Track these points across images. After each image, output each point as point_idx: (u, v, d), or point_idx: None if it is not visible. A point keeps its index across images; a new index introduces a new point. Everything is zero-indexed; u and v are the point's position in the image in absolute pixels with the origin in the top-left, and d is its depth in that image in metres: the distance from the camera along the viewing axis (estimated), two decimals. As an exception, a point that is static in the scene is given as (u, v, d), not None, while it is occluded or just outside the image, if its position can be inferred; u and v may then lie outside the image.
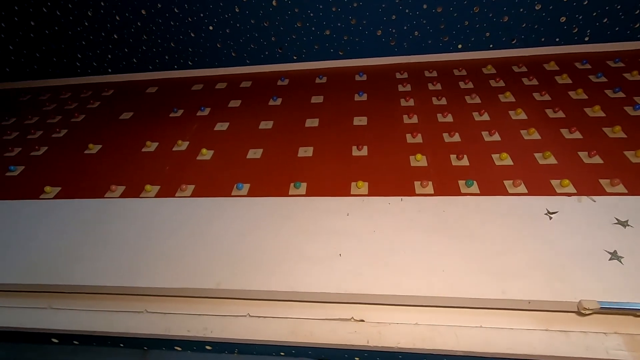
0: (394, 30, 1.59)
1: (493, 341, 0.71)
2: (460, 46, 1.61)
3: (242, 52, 1.71)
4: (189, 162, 1.25)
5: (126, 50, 1.75)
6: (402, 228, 0.86)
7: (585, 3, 1.45)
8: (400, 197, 0.95)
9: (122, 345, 0.84)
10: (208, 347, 0.81)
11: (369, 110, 1.40)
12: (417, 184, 1.05)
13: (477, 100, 1.38)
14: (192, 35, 1.67)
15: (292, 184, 1.09)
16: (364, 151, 1.20)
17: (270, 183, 1.12)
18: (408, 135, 1.24)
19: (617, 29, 1.50)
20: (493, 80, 1.48)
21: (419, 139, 1.23)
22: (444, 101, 1.40)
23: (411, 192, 1.02)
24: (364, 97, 1.48)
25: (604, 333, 0.69)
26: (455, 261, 0.77)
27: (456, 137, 1.22)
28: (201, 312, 0.81)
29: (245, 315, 0.79)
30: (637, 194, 0.93)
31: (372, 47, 1.65)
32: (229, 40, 1.68)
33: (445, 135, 1.23)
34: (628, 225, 0.80)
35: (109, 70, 1.82)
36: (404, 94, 1.46)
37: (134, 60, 1.78)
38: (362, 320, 0.76)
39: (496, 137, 1.20)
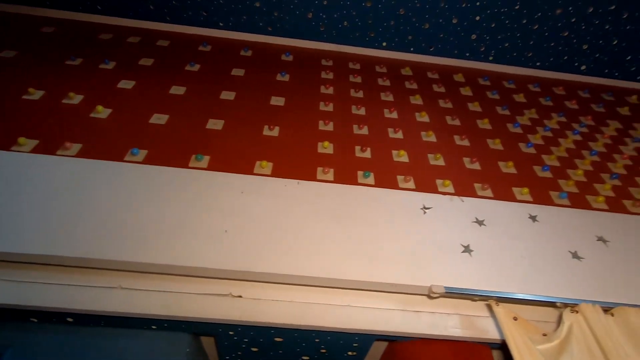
0: (324, 16, 1.59)
1: (357, 318, 0.78)
2: (384, 44, 1.68)
3: (162, 7, 1.56)
4: (79, 118, 1.12)
5: (17, -24, 1.48)
6: (292, 210, 0.88)
7: (493, 26, 1.61)
8: (297, 181, 0.98)
9: (-37, 315, 0.74)
10: (69, 319, 0.75)
11: (288, 91, 1.40)
12: (319, 170, 1.08)
13: (390, 98, 1.46)
14: (103, -25, 1.48)
15: (194, 156, 1.05)
16: (275, 132, 1.20)
17: (170, 152, 1.06)
18: (321, 122, 1.27)
19: (514, 54, 1.70)
20: (408, 81, 1.58)
21: (330, 127, 1.27)
22: (360, 94, 1.45)
23: (312, 177, 1.05)
24: (286, 77, 1.47)
25: (447, 313, 0.80)
26: (335, 245, 0.82)
27: (364, 130, 1.28)
28: (65, 282, 0.74)
29: (116, 287, 0.75)
30: (499, 198, 1.08)
31: (301, 28, 1.63)
32: (147, -9, 1.52)
33: (355, 126, 1.29)
34: (483, 225, 0.94)
35: (-8, -4, 1.53)
36: (325, 81, 1.49)
37: (27, -10, 1.52)
38: (240, 296, 0.78)
39: (399, 135, 1.29)
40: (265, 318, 0.75)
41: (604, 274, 0.88)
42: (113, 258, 0.73)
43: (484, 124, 1.41)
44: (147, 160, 1.01)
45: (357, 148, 1.19)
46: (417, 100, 1.48)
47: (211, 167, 1.03)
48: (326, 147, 1.17)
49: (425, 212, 0.94)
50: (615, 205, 1.14)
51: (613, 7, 1.54)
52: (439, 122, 1.39)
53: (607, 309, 0.79)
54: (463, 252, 0.86)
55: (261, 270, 0.76)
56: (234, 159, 1.07)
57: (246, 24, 1.61)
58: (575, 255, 0.90)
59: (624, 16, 1.56)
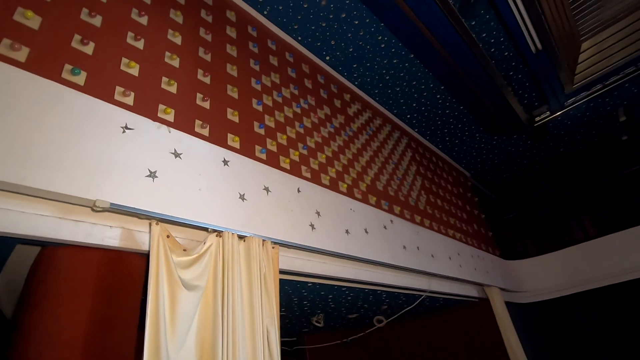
0: None
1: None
2: None
3: None
4: None
5: None
6: None
7: None
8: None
9: None
10: None
11: None
12: (6, 42, 0.86)
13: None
14: None
15: None
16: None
17: None
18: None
19: (284, 20, 1.89)
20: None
21: (46, -6, 1.00)
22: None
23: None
24: None
25: (110, 226, 0.87)
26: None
27: (96, 20, 1.09)
28: None
29: None
30: (210, 140, 1.20)
31: None
32: None
33: (84, 9, 1.08)
34: (179, 157, 1.05)
35: None
36: None
37: None
38: None
39: (140, 44, 1.19)
40: None
41: (257, 212, 1.19)
42: None
43: (232, 70, 1.51)
44: None
45: (77, 37, 1.02)
46: (177, 16, 1.39)
47: None
48: (29, 18, 0.93)
49: (124, 132, 0.95)
50: (295, 168, 1.53)
51: (342, 16, 1.97)
52: (190, 49, 1.37)
53: (243, 237, 1.09)
54: (147, 176, 0.94)
55: None
56: None
57: None
58: (242, 197, 1.17)
59: (361, 34, 2.03)
